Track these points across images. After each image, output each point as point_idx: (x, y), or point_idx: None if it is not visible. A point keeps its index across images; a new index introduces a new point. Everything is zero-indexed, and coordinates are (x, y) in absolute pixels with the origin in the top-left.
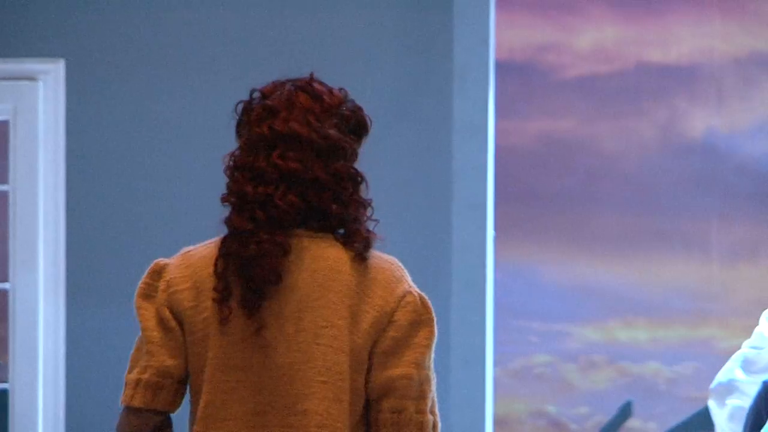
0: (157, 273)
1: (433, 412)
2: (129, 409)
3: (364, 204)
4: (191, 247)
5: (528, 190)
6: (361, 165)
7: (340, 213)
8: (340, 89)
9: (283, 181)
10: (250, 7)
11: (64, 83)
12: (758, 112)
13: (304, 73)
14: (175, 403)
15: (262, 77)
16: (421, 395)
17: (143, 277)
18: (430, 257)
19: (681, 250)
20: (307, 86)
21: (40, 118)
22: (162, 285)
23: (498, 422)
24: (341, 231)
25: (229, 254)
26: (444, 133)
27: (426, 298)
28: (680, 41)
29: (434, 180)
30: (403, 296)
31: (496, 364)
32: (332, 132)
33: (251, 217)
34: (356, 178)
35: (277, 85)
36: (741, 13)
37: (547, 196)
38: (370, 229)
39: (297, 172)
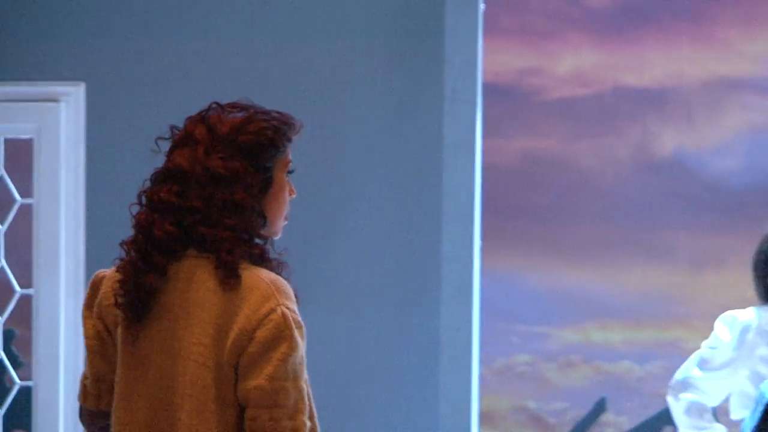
0: (96, 286)
1: (294, 419)
2: (82, 407)
3: (235, 228)
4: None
5: (512, 204)
6: (357, 180)
7: (212, 236)
8: (247, 108)
9: (164, 211)
10: (254, 35)
11: (84, 105)
12: (724, 132)
13: (301, 99)
14: None
15: (262, 100)
16: (275, 404)
17: (87, 289)
18: (422, 266)
19: (651, 258)
20: (204, 118)
21: (62, 136)
22: (97, 299)
23: (483, 417)
24: (217, 252)
25: (125, 269)
26: (435, 150)
27: (292, 316)
28: (653, 66)
29: (425, 194)
30: (267, 314)
31: (481, 363)
32: (216, 163)
33: (135, 241)
34: (233, 204)
35: (190, 119)
36: (709, 40)
37: (529, 209)
38: (263, 251)
39: (175, 203)
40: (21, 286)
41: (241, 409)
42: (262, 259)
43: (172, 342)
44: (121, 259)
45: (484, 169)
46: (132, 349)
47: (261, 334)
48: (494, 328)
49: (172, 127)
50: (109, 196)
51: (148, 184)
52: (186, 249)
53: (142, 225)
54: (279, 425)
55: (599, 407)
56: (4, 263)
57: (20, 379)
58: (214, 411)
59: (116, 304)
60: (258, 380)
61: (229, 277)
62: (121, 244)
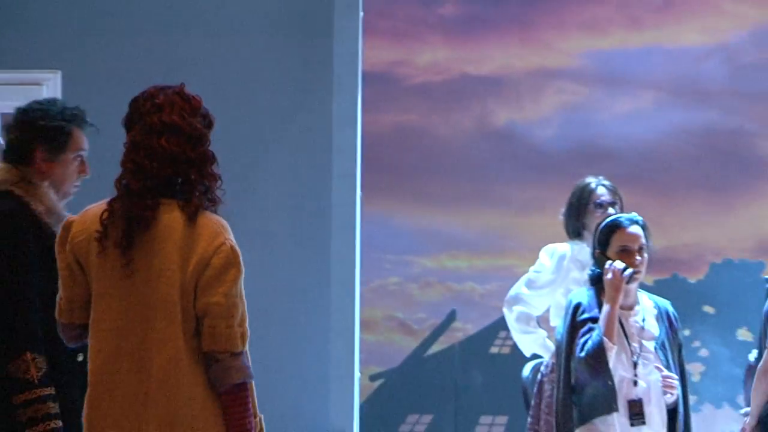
0: (67, 228)
1: (241, 326)
2: (58, 322)
3: (214, 177)
4: (89, 206)
5: (385, 164)
6: (268, 146)
7: (196, 183)
8: (198, 95)
9: (169, 159)
10: (185, 31)
11: (60, 88)
12: (543, 110)
13: (222, 84)
14: (86, 317)
15: (192, 88)
16: (229, 315)
17: (60, 230)
18: (316, 211)
19: (489, 204)
20: (180, 92)
21: None
22: (69, 237)
23: (363, 324)
24: (183, 198)
25: (114, 209)
26: (326, 123)
27: (236, 248)
28: (490, 59)
29: (319, 156)
30: (219, 246)
31: (361, 284)
32: (199, 125)
33: (143, 183)
34: (212, 159)
35: (159, 89)
36: (532, 40)
37: (398, 167)
38: (215, 198)
39: (175, 153)
40: None
41: (197, 320)
42: (213, 204)
43: (146, 267)
44: (113, 199)
45: (363, 136)
46: (114, 275)
47: (216, 261)
48: (371, 257)
49: (142, 93)
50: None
51: (136, 135)
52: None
53: (150, 169)
54: (232, 331)
55: (450, 317)
56: None
57: None
58: (180, 321)
59: (98, 237)
60: (216, 297)
61: (192, 218)
62: (117, 183)
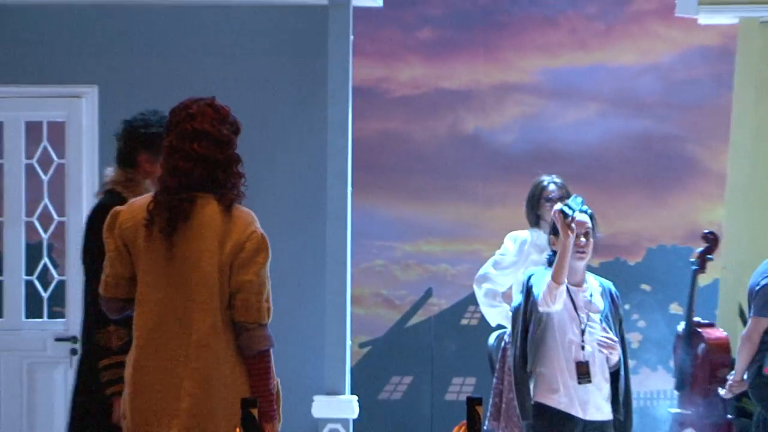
0: (114, 216)
1: (267, 301)
2: (101, 296)
3: (240, 176)
4: (135, 199)
5: (371, 164)
6: (276, 150)
7: (224, 181)
8: (227, 106)
9: (200, 161)
10: (209, 53)
11: (97, 100)
12: (505, 118)
13: (237, 97)
14: (131, 293)
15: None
16: (259, 291)
17: (107, 218)
18: (313, 204)
19: (460, 198)
20: (211, 103)
21: (83, 120)
22: (117, 224)
23: (353, 299)
24: (219, 193)
25: (159, 201)
26: (322, 129)
27: (265, 235)
28: (460, 76)
29: (316, 158)
30: (251, 234)
31: (352, 265)
32: (226, 132)
33: (180, 181)
34: (238, 161)
35: (193, 101)
36: (496, 59)
37: (382, 167)
38: (241, 192)
39: (206, 155)
40: (57, 215)
41: (230, 295)
42: (238, 197)
43: (188, 250)
44: (156, 193)
45: (353, 141)
46: (159, 256)
47: (249, 245)
48: (360, 243)
49: (178, 105)
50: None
51: (172, 140)
52: (198, 189)
53: (183, 169)
54: (261, 305)
55: (427, 294)
56: (47, 201)
57: (57, 275)
58: (217, 295)
59: (146, 224)
60: (248, 276)
61: (227, 210)
62: (159, 180)
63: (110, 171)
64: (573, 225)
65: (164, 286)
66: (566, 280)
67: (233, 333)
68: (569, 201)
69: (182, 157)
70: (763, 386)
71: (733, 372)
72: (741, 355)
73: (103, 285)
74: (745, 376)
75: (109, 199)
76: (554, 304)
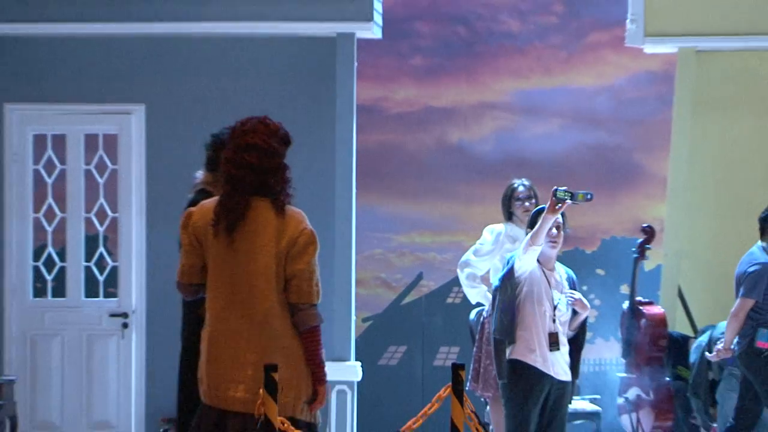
0: (188, 216)
1: (317, 285)
2: (178, 283)
3: (287, 181)
4: (204, 202)
5: (372, 170)
6: (292, 160)
7: (275, 186)
8: (279, 122)
9: (250, 169)
10: (230, 76)
11: (144, 116)
12: (483, 131)
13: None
14: (203, 279)
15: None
16: (310, 278)
17: (182, 217)
18: (324, 203)
19: (445, 198)
20: (263, 120)
21: (133, 134)
22: (190, 222)
23: (357, 282)
24: (273, 196)
25: (222, 204)
26: (330, 141)
27: (314, 231)
28: (445, 95)
29: (326, 165)
30: (302, 230)
31: (356, 253)
32: (275, 144)
33: (234, 186)
34: (285, 168)
35: (248, 118)
36: (475, 81)
37: (380, 173)
38: (289, 194)
39: (256, 164)
40: (111, 212)
41: (285, 281)
42: (289, 199)
43: (249, 244)
44: (221, 196)
45: (357, 151)
46: (224, 250)
47: (300, 240)
48: (363, 234)
49: (236, 123)
50: (163, 166)
51: (229, 152)
52: (253, 194)
53: (237, 176)
54: (312, 289)
55: (419, 277)
56: (102, 200)
57: (111, 261)
58: (274, 281)
59: (212, 224)
60: (301, 265)
61: (281, 211)
62: (222, 186)
63: (200, 174)
64: (558, 207)
65: (229, 274)
66: (540, 262)
67: (288, 313)
68: (574, 190)
69: (235, 166)
70: (753, 356)
71: (722, 341)
72: (729, 329)
73: (179, 272)
74: (733, 346)
75: (201, 196)
76: (525, 254)
